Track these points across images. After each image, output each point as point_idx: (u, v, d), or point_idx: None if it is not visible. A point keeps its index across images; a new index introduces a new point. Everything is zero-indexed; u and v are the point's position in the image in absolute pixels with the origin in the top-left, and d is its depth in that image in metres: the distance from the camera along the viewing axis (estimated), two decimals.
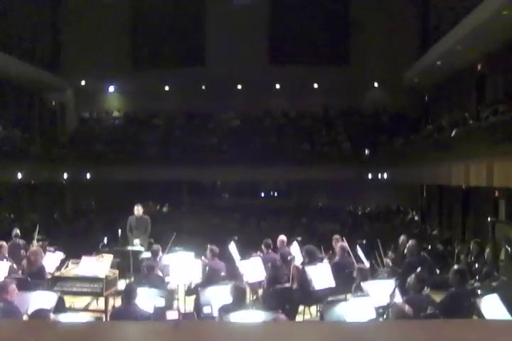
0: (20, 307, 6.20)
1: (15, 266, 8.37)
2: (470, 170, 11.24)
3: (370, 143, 19.68)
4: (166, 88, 23.08)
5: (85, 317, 5.56)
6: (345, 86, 21.09)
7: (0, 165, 15.01)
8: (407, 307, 5.32)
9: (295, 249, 9.23)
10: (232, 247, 9.24)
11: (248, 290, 7.78)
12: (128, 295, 5.96)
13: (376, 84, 22.36)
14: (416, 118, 20.16)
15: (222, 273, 8.22)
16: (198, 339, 2.12)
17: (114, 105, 23.81)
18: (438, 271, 8.74)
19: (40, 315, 5.01)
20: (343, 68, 21.60)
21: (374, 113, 22.17)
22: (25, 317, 6.12)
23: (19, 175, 15.97)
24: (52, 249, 9.49)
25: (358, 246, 8.68)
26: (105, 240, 10.36)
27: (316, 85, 22.54)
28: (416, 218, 16.72)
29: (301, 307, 7.82)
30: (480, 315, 6.42)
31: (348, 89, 21.28)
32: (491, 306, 5.93)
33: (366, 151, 19.51)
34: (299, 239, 10.10)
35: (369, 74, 21.39)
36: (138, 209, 10.52)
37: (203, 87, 22.66)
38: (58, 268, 8.49)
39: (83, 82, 22.48)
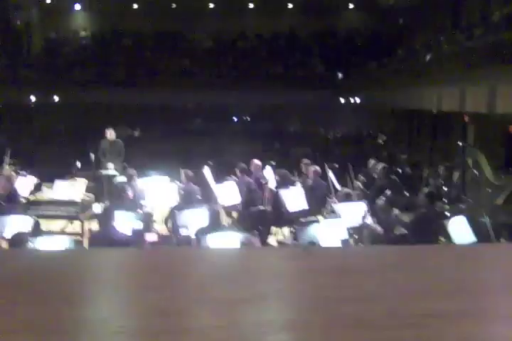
0: None
1: None
2: (443, 95, 11.31)
3: (343, 66, 19.49)
4: (135, 6, 22.15)
5: (63, 240, 5.64)
6: (320, 6, 20.55)
7: None
8: (378, 228, 5.52)
9: (268, 172, 9.33)
10: (207, 171, 9.30)
11: (223, 213, 7.95)
12: (105, 218, 6.03)
13: (351, 5, 21.83)
14: (390, 42, 19.90)
15: (198, 197, 8.33)
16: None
17: (80, 24, 22.85)
18: (407, 194, 8.99)
19: (18, 238, 5.05)
20: None
21: (348, 35, 21.79)
22: (2, 241, 6.19)
23: None
24: (24, 172, 9.41)
25: (329, 170, 8.82)
26: (78, 164, 10.29)
27: (290, 5, 21.90)
28: (385, 142, 16.95)
29: (274, 229, 8.07)
30: (447, 236, 6.72)
31: (323, 10, 20.75)
32: (458, 228, 6.19)
33: (339, 74, 19.36)
34: (273, 163, 10.18)
35: None
36: (110, 133, 10.41)
37: (174, 6, 21.82)
38: (32, 192, 8.48)
39: (48, 0, 21.40)
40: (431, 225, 6.99)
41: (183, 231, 6.70)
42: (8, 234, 5.93)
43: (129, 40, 22.21)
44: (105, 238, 5.92)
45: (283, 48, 21.26)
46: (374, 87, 16.65)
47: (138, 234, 6.11)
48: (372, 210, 7.14)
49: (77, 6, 22.35)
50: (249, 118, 21.85)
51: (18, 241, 5.00)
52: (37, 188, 8.72)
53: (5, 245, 5.79)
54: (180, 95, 18.62)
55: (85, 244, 6.26)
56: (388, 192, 8.29)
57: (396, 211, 7.34)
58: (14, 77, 17.68)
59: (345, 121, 19.71)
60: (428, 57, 12.54)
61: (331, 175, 8.57)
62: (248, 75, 19.28)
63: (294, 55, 20.90)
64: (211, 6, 21.93)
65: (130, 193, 7.92)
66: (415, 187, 9.31)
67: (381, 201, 7.08)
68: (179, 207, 7.53)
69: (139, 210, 7.34)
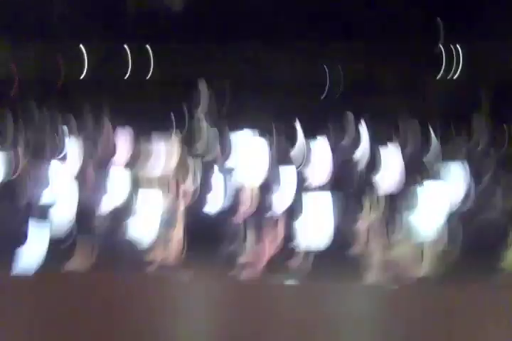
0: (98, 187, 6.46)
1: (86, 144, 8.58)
2: None
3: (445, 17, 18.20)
4: None
5: (157, 214, 5.68)
6: None
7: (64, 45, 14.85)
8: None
9: (363, 128, 8.96)
10: (298, 126, 9.05)
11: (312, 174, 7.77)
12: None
13: None
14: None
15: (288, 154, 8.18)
16: None
17: None
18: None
19: (115, 212, 5.15)
20: None
21: None
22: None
23: (84, 52, 15.84)
24: (122, 126, 9.55)
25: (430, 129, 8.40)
26: (173, 116, 10.44)
27: None
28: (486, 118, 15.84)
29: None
30: None
31: None
32: None
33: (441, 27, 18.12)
34: (366, 117, 9.75)
35: None
36: (203, 87, 10.46)
37: None
38: (131, 147, 8.64)
39: None
40: None
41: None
42: (106, 209, 6.03)
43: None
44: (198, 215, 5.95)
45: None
46: (479, 41, 15.45)
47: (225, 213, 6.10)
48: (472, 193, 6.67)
49: None
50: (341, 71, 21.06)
51: (115, 216, 5.08)
52: (135, 143, 8.87)
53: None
54: (270, 49, 18.23)
55: (177, 219, 6.33)
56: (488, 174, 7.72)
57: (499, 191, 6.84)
58: (109, 33, 17.90)
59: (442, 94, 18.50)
60: None
61: (432, 133, 8.18)
62: (338, 31, 18.49)
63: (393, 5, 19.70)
64: None
65: (223, 151, 7.90)
66: None
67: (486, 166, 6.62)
68: (270, 166, 7.44)
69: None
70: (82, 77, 17.34)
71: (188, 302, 1.81)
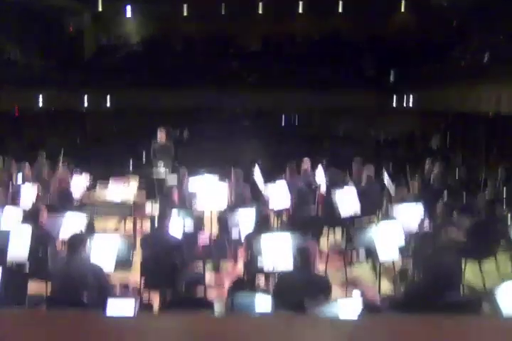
0: (52, 231, 6.33)
1: (41, 189, 8.49)
2: (502, 96, 10.90)
3: (395, 67, 19.11)
4: (185, 11, 22.41)
5: (117, 239, 5.64)
6: (371, 8, 20.26)
7: (20, 92, 14.90)
8: (455, 232, 5.29)
9: (320, 172, 9.17)
10: (257, 171, 9.22)
11: (272, 215, 7.85)
12: (159, 218, 6.04)
13: (402, 8, 21.46)
14: (445, 43, 19.39)
15: (248, 197, 8.25)
16: None
17: (131, 30, 23.23)
18: (464, 197, 8.68)
19: (76, 239, 5.07)
20: None
21: (400, 36, 21.36)
22: (57, 241, 6.26)
23: (39, 102, 15.91)
24: (78, 170, 9.56)
25: (384, 171, 8.62)
26: (131, 164, 10.43)
27: (340, 9, 21.71)
28: (440, 144, 16.53)
29: (325, 230, 7.88)
30: (508, 240, 6.44)
31: (374, 11, 20.44)
32: None
33: (391, 76, 19.00)
34: (324, 162, 10.01)
35: None
36: (161, 135, 10.50)
37: (223, 11, 21.97)
38: (86, 191, 8.59)
39: (100, 7, 21.89)
40: (491, 229, 6.72)
41: (233, 233, 6.64)
42: (65, 235, 5.98)
43: (178, 44, 22.46)
44: (158, 239, 5.92)
45: (332, 51, 21.03)
46: (427, 88, 16.25)
47: (190, 237, 6.08)
48: (429, 214, 6.91)
49: (128, 12, 22.73)
50: (297, 120, 21.67)
51: (75, 242, 5.02)
52: (91, 187, 8.83)
53: (61, 247, 5.84)
54: (229, 97, 18.67)
55: (138, 245, 6.26)
56: (445, 195, 8.02)
57: (455, 215, 7.08)
58: (67, 81, 18.08)
59: (397, 123, 19.29)
60: (486, 58, 12.13)
61: (386, 176, 8.37)
62: (297, 77, 19.14)
63: (344, 57, 20.63)
64: (260, 10, 21.95)
65: (180, 194, 7.94)
66: (473, 190, 8.99)
67: (439, 205, 6.81)
68: (229, 209, 7.49)
69: (190, 211, 7.32)
70: (37, 122, 17.34)
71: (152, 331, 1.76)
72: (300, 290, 4.64)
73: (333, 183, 8.55)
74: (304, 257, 4.89)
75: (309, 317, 3.33)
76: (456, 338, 1.81)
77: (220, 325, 1.97)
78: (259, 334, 1.85)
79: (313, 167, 9.55)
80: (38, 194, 8.20)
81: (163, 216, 6.23)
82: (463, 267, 5.70)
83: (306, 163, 9.59)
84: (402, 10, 21.49)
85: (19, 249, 5.79)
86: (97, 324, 1.96)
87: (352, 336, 1.87)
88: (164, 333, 1.86)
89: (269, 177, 9.22)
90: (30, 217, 6.49)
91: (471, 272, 6.44)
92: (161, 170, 10.00)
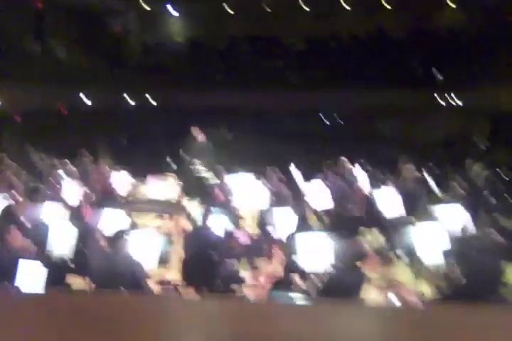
0: (95, 227, 6.46)
1: (85, 186, 8.66)
2: None
3: (444, 66, 18.67)
4: (229, 11, 22.52)
5: (155, 235, 5.72)
6: (418, 3, 19.89)
7: (65, 90, 15.27)
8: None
9: (358, 172, 9.04)
10: (294, 169, 9.17)
11: (312, 215, 7.80)
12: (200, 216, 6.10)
13: (452, 2, 20.97)
14: (495, 41, 18.86)
15: (287, 196, 8.22)
16: None
17: (176, 29, 23.49)
18: (509, 198, 8.43)
19: (117, 235, 5.17)
20: None
21: (450, 34, 20.88)
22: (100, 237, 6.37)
23: (84, 101, 16.28)
24: (119, 168, 9.69)
25: (425, 172, 8.46)
26: (170, 160, 10.54)
27: (387, 5, 21.38)
28: (487, 146, 16.11)
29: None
30: None
31: (421, 7, 20.04)
32: None
33: (440, 75, 18.59)
34: (362, 161, 9.86)
35: None
36: (201, 134, 10.58)
37: (267, 9, 21.97)
38: (128, 189, 8.72)
39: (146, 6, 22.21)
40: None
41: (270, 231, 6.63)
42: (107, 231, 6.10)
43: (223, 44, 22.56)
44: (200, 238, 5.99)
45: (379, 49, 20.72)
46: (475, 87, 15.85)
47: (229, 235, 6.11)
48: (473, 216, 6.74)
49: (173, 12, 22.98)
50: (341, 121, 21.47)
51: (117, 239, 5.12)
52: (133, 185, 8.95)
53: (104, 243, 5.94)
54: (273, 97, 18.63)
55: (178, 242, 6.33)
56: (491, 197, 7.81)
57: (499, 218, 6.89)
58: (112, 81, 18.42)
59: (445, 123, 18.88)
60: None
61: (428, 177, 8.22)
62: (342, 77, 18.95)
63: (392, 56, 20.28)
64: (305, 8, 21.83)
65: (220, 193, 7.98)
66: None
67: (483, 207, 6.65)
68: (267, 207, 7.48)
69: (229, 209, 7.36)
70: (81, 123, 17.75)
71: (193, 323, 1.76)
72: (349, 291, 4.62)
73: (374, 183, 8.43)
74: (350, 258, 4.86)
75: (355, 304, 3.31)
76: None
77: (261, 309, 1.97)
78: (304, 321, 1.82)
79: (353, 166, 9.44)
80: (83, 191, 8.37)
81: (203, 214, 6.29)
82: (505, 269, 5.54)
83: (345, 162, 9.50)
84: (451, 5, 21.01)
85: (63, 245, 5.94)
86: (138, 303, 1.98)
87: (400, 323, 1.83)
88: (203, 315, 1.86)
89: (307, 176, 9.16)
90: (75, 213, 6.66)
91: None
92: (201, 168, 10.06)
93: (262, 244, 6.34)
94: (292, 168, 9.17)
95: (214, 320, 1.77)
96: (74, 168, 9.63)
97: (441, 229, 5.85)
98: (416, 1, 19.81)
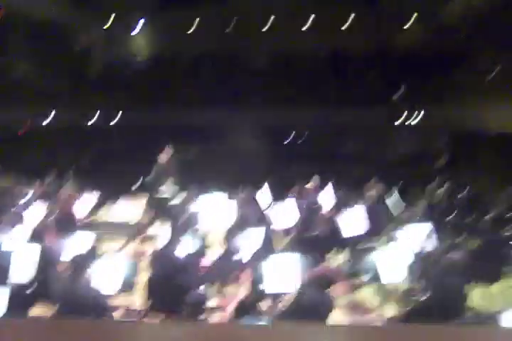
0: (57, 252, 6.33)
1: (49, 208, 8.51)
2: (509, 115, 10.86)
3: (403, 84, 19.08)
4: (192, 29, 22.59)
5: (119, 259, 5.63)
6: (379, 23, 20.34)
7: (29, 109, 15.05)
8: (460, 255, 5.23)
9: (328, 193, 9.13)
10: (265, 190, 9.21)
11: (278, 235, 7.82)
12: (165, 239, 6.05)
13: (408, 24, 21.51)
14: (451, 60, 19.37)
15: (254, 217, 8.22)
16: None
17: (139, 47, 23.44)
18: (471, 218, 8.61)
19: (78, 260, 5.07)
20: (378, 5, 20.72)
21: (406, 53, 21.36)
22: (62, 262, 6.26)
23: (47, 119, 16.06)
24: (87, 188, 9.56)
25: (393, 192, 8.58)
26: (139, 183, 10.45)
27: (345, 25, 21.80)
28: (446, 164, 16.45)
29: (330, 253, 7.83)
30: None
31: (382, 26, 20.50)
32: None
33: (398, 94, 18.98)
34: (332, 181, 9.97)
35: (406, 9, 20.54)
36: (166, 154, 10.51)
37: (230, 29, 22.14)
38: (91, 212, 8.60)
39: (107, 25, 22.14)
40: (498, 252, 6.64)
41: (237, 255, 6.60)
42: (69, 255, 5.99)
43: (186, 62, 22.59)
44: (166, 262, 5.92)
45: (341, 67, 21.05)
46: (436, 105, 16.21)
47: (196, 259, 6.06)
48: (435, 235, 6.85)
49: (135, 31, 22.93)
50: (303, 139, 21.66)
51: (77, 264, 5.02)
52: (98, 206, 8.84)
53: (65, 269, 5.84)
54: (238, 115, 18.70)
55: (143, 266, 6.24)
56: (452, 216, 7.97)
57: (461, 236, 7.03)
58: (73, 100, 18.24)
59: (405, 140, 19.23)
60: (495, 74, 12.08)
61: (393, 196, 8.34)
62: (305, 95, 19.17)
63: (353, 74, 20.64)
64: (267, 28, 22.08)
65: (185, 214, 7.92)
66: (481, 210, 8.91)
67: (445, 225, 6.77)
68: (235, 229, 7.46)
69: (195, 231, 7.30)
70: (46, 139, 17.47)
71: None
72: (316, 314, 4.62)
73: (342, 203, 8.51)
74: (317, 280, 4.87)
75: (314, 324, 3.30)
76: None
77: (223, 331, 1.96)
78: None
79: (322, 186, 9.53)
80: (46, 213, 8.21)
81: (168, 236, 6.23)
82: (469, 290, 5.64)
83: (315, 181, 9.58)
84: (411, 25, 21.50)
85: (24, 270, 5.80)
86: (101, 329, 1.96)
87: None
88: (166, 339, 1.85)
89: (278, 196, 9.21)
90: (37, 236, 6.52)
91: (477, 295, 6.35)
92: (166, 189, 9.97)
93: (229, 266, 6.30)
94: (264, 188, 9.20)
95: None
96: (37, 190, 9.46)
97: (405, 250, 5.93)
98: (375, 21, 20.23)
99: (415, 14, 20.48)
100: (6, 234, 6.79)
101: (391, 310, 5.94)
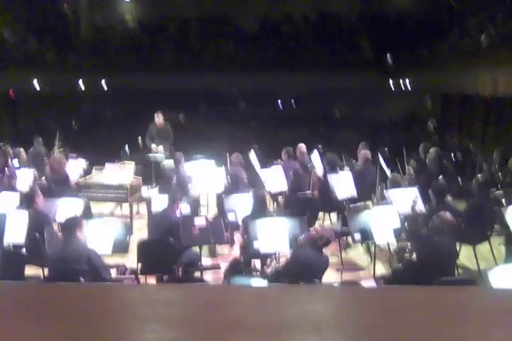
0: (48, 214, 6.37)
1: (37, 173, 8.50)
2: (499, 78, 10.86)
3: (393, 49, 18.96)
4: None
5: (114, 223, 5.67)
6: None
7: (16, 73, 14.80)
8: (449, 216, 5.30)
9: (315, 157, 9.17)
10: (252, 155, 9.23)
11: (268, 198, 7.88)
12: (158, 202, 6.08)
13: None
14: (442, 23, 19.25)
15: (244, 181, 8.26)
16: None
17: (127, 11, 22.99)
18: (460, 180, 8.70)
19: (71, 222, 5.10)
20: None
21: (398, 17, 21.18)
22: (54, 224, 6.29)
23: (35, 84, 15.81)
24: (74, 155, 9.56)
25: (379, 155, 8.61)
26: (127, 148, 10.40)
27: None
28: (436, 127, 16.50)
29: (320, 214, 7.94)
30: (503, 224, 6.47)
31: None
32: None
33: (389, 58, 18.87)
34: (320, 146, 10.01)
35: None
36: (158, 118, 10.45)
37: None
38: (82, 175, 8.59)
39: None
40: (485, 213, 6.76)
41: (230, 216, 6.68)
42: (61, 218, 6.03)
43: (174, 26, 22.23)
44: (159, 224, 5.96)
45: (330, 32, 20.86)
46: (425, 70, 16.17)
47: (188, 219, 6.11)
48: (424, 197, 6.94)
49: None
50: (294, 103, 21.62)
51: (70, 226, 5.04)
52: (87, 171, 8.84)
53: (58, 228, 5.89)
54: (226, 79, 18.56)
55: (136, 228, 6.29)
56: (441, 178, 8.04)
57: (449, 198, 7.11)
58: (64, 63, 17.96)
59: (394, 105, 19.26)
60: (483, 38, 12.04)
61: (381, 160, 8.37)
62: (294, 59, 19.01)
63: (342, 39, 20.49)
64: None
65: (177, 178, 7.95)
66: (468, 173, 9.01)
67: (433, 187, 6.83)
68: (226, 192, 7.51)
69: (187, 195, 7.35)
70: (32, 105, 17.27)
71: (151, 309, 1.78)
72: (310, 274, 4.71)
73: (330, 167, 8.55)
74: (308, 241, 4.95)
75: (307, 286, 3.40)
76: (457, 307, 1.83)
77: (219, 294, 2.00)
78: (259, 303, 1.87)
79: (309, 151, 9.55)
80: (34, 178, 8.21)
81: (161, 200, 6.26)
82: (457, 250, 5.76)
83: (302, 147, 9.60)
84: None
85: (16, 233, 5.83)
86: (95, 293, 1.99)
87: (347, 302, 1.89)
88: (163, 302, 1.88)
89: (265, 161, 9.25)
90: (27, 201, 6.52)
91: (465, 255, 6.50)
92: (158, 155, 9.97)
93: (221, 230, 6.38)
94: (251, 153, 9.22)
95: (172, 306, 1.79)
96: (27, 156, 9.42)
97: (395, 212, 6.01)
98: None
99: None
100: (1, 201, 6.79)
101: (381, 270, 6.08)
